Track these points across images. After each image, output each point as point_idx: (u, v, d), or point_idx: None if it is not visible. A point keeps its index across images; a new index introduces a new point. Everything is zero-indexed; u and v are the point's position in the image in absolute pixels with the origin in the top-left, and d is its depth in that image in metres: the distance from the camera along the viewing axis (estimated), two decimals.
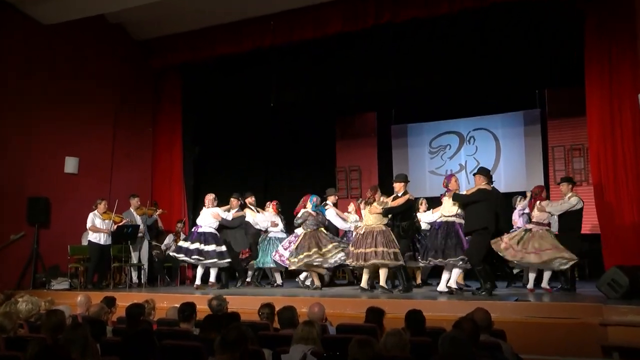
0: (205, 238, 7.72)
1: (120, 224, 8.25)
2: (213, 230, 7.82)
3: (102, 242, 7.99)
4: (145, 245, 8.74)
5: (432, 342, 3.54)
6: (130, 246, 8.48)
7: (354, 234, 7.28)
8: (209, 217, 7.86)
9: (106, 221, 8.10)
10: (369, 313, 4.41)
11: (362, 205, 7.54)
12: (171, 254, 8.14)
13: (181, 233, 9.12)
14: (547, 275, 6.69)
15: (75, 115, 9.05)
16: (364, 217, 7.03)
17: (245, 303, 6.03)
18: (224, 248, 7.76)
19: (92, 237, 7.99)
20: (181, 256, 7.78)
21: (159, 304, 5.70)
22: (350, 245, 6.98)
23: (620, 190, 7.00)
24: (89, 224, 8.00)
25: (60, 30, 8.80)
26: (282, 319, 4.07)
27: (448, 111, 10.74)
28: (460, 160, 10.76)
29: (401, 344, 2.94)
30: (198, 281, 7.82)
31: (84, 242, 8.45)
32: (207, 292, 6.97)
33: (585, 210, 8.47)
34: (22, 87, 8.52)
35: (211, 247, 7.69)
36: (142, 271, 8.69)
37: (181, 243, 7.93)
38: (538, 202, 6.79)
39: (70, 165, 9.00)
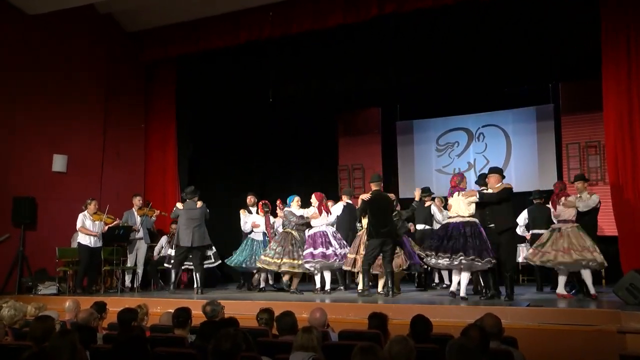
0: None
1: (112, 224, 8.25)
2: None
3: (92, 244, 7.99)
4: (143, 248, 8.73)
5: (438, 349, 3.54)
6: (127, 248, 8.50)
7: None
8: None
9: (97, 222, 8.09)
10: (372, 319, 4.41)
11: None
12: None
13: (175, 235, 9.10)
14: (562, 280, 6.64)
15: (63, 111, 9.05)
16: None
17: (243, 308, 6.03)
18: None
19: (82, 239, 7.98)
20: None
21: (152, 309, 5.69)
22: None
23: None
24: (78, 225, 8.00)
25: (47, 21, 8.79)
26: (282, 325, 4.06)
27: (456, 107, 10.72)
28: (468, 158, 10.74)
29: (406, 351, 2.92)
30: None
31: (73, 244, 8.45)
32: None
33: (601, 211, 8.44)
34: (6, 81, 8.52)
35: None
36: (136, 275, 8.69)
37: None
38: (563, 197, 6.71)
39: (58, 163, 8.99)
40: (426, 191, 8.50)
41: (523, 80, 9.81)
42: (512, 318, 5.06)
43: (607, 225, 8.52)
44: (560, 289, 6.59)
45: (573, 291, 6.71)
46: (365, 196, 6.94)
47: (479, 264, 6.13)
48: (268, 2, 8.66)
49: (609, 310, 5.16)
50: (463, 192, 6.49)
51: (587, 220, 6.65)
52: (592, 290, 6.37)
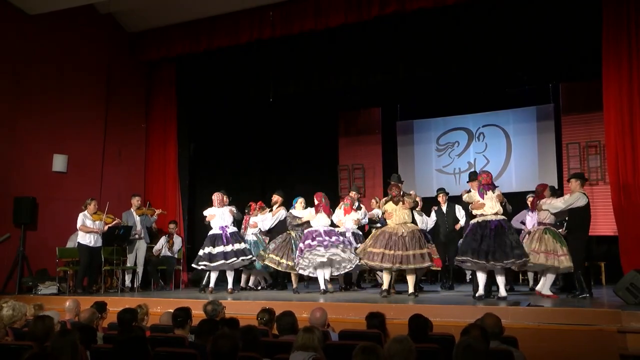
0: (239, 238, 7.92)
1: (112, 224, 8.24)
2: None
3: (92, 244, 7.96)
4: (143, 247, 8.72)
5: (439, 349, 3.54)
6: (127, 248, 8.50)
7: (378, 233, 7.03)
8: (229, 216, 7.95)
9: (97, 222, 8.09)
10: (369, 318, 4.41)
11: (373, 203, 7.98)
12: (213, 264, 7.69)
13: (174, 234, 9.11)
14: (549, 279, 6.64)
15: (64, 111, 9.04)
16: (396, 215, 6.74)
17: (243, 308, 6.03)
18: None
19: (82, 238, 7.97)
20: (220, 262, 7.65)
21: (153, 309, 5.69)
22: (381, 246, 6.68)
23: None
24: (79, 224, 7.97)
25: (48, 21, 8.79)
26: (282, 325, 4.06)
27: (456, 106, 10.72)
28: (469, 158, 10.74)
29: (405, 351, 2.92)
30: (212, 284, 7.91)
31: (70, 244, 8.45)
32: (216, 297, 6.85)
33: (602, 211, 8.45)
34: (7, 80, 8.51)
35: (240, 246, 7.84)
36: (136, 275, 8.69)
37: (216, 249, 7.69)
38: (539, 200, 6.79)
39: (59, 163, 8.99)
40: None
41: (523, 80, 9.80)
42: (512, 318, 5.06)
43: (607, 225, 8.52)
44: (540, 287, 6.63)
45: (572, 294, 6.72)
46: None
47: (520, 261, 6.14)
48: (269, 2, 8.66)
49: (610, 310, 5.16)
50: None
51: (572, 221, 6.57)
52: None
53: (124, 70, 9.96)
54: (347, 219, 7.71)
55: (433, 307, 5.58)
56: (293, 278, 7.69)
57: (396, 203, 6.74)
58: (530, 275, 7.84)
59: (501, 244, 6.11)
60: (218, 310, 4.82)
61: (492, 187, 6.45)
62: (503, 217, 6.34)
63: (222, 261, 7.63)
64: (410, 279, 6.64)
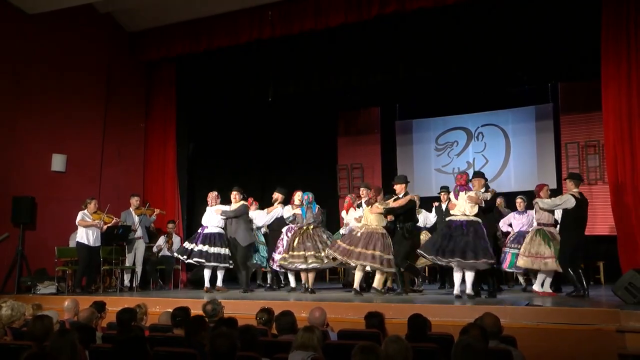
0: (212, 239, 7.86)
1: (111, 224, 8.23)
2: (220, 231, 7.95)
3: (90, 244, 7.95)
4: (142, 247, 8.71)
5: (437, 349, 3.54)
6: (126, 247, 8.51)
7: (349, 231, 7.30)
8: (214, 216, 7.92)
9: (96, 221, 8.08)
10: (368, 318, 4.42)
11: (354, 204, 7.83)
12: (176, 254, 8.28)
13: (173, 234, 9.11)
14: (540, 277, 6.71)
15: (63, 111, 9.04)
16: (364, 217, 7.04)
17: (242, 308, 6.02)
18: (227, 251, 7.88)
19: (81, 238, 7.95)
20: (184, 258, 7.98)
21: (152, 309, 5.70)
22: (343, 240, 7.01)
23: (639, 189, 6.97)
24: (78, 219, 7.93)
25: (48, 21, 8.78)
26: (281, 325, 4.07)
27: (455, 106, 10.72)
28: (468, 158, 10.74)
29: (403, 350, 2.93)
30: (207, 284, 7.97)
31: (71, 243, 8.44)
32: (215, 297, 6.92)
33: (601, 210, 8.45)
34: (6, 80, 8.51)
35: (216, 249, 7.84)
36: (135, 274, 8.68)
37: (186, 244, 8.06)
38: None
39: (58, 162, 8.98)
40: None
41: (523, 80, 9.80)
42: (511, 317, 5.06)
43: (606, 225, 8.53)
44: (537, 287, 6.70)
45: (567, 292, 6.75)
46: (414, 196, 7.15)
47: (478, 263, 6.12)
48: (268, 1, 8.66)
49: (608, 309, 5.16)
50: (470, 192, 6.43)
51: (564, 221, 6.52)
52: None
53: (123, 70, 9.95)
54: (348, 217, 7.80)
55: (432, 307, 5.57)
56: (311, 276, 7.47)
57: (367, 205, 7.02)
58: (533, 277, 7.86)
59: (458, 243, 6.17)
60: (218, 309, 4.82)
61: (468, 187, 6.48)
62: (475, 218, 6.28)
63: (198, 258, 7.83)
64: (377, 276, 6.84)
